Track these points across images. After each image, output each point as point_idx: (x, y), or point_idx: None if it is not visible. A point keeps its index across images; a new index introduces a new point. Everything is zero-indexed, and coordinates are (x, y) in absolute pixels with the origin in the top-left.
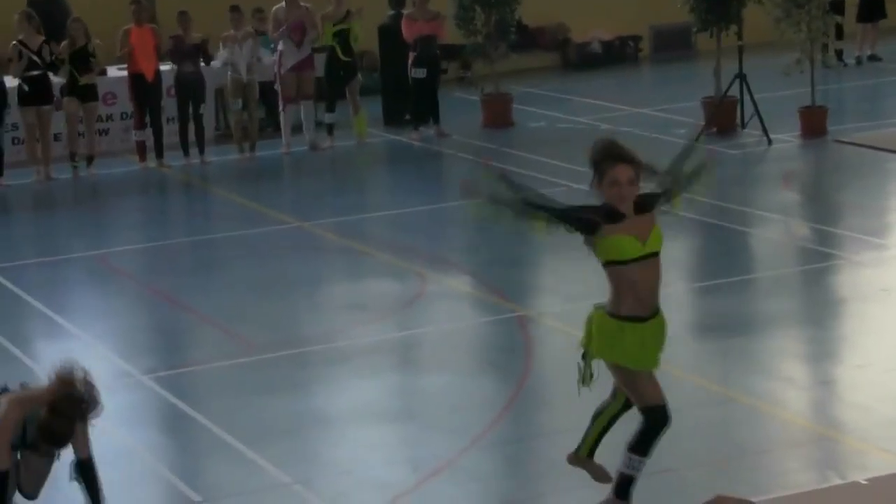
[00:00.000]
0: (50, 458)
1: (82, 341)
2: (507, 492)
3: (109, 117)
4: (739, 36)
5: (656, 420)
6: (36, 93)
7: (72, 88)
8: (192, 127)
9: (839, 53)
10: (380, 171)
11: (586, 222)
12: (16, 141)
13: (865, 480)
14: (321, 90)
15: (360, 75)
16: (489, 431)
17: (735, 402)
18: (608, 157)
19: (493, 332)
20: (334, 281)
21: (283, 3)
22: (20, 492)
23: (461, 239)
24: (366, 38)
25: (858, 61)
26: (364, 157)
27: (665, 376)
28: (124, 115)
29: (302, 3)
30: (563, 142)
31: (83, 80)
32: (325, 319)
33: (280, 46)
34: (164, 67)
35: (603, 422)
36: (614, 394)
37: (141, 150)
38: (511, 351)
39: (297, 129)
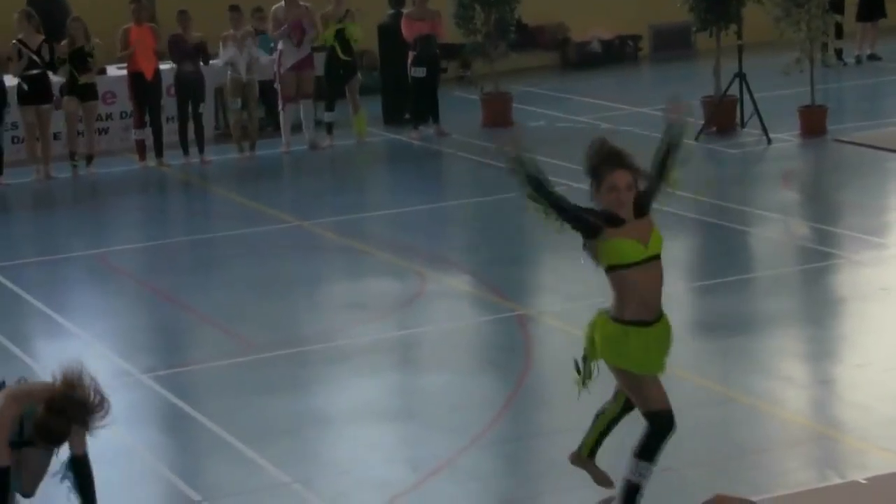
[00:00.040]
0: (48, 453)
1: (82, 340)
2: (507, 491)
3: (109, 116)
4: (739, 35)
5: (661, 425)
6: (35, 92)
7: (71, 88)
8: (191, 126)
9: (839, 53)
10: (379, 170)
11: (589, 225)
12: (15, 140)
13: (865, 479)
14: (321, 89)
15: (359, 74)
16: (489, 430)
17: (735, 401)
18: (606, 162)
19: (493, 331)
20: (334, 280)
21: (283, 3)
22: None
23: (461, 238)
24: (365, 38)
25: (858, 60)
26: (364, 156)
27: (665, 376)
28: (124, 115)
29: (301, 3)
30: (562, 141)
31: (82, 80)
32: (325, 318)
33: (280, 46)
34: (164, 66)
35: (602, 424)
36: (615, 396)
37: (140, 149)
38: (511, 350)
39: (296, 128)
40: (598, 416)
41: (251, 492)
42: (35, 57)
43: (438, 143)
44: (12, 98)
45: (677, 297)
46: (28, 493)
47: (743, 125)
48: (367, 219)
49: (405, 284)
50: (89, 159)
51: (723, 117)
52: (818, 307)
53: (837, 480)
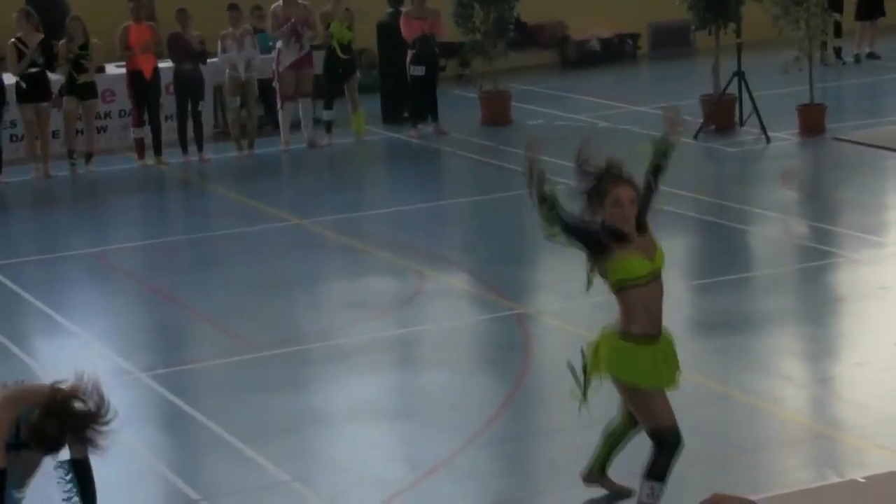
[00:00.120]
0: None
1: (81, 339)
2: (505, 490)
3: (108, 115)
4: (738, 34)
5: (668, 442)
6: (34, 90)
7: (70, 87)
8: (190, 124)
9: (838, 51)
10: (378, 168)
11: (600, 243)
12: (14, 138)
13: (863, 478)
14: (320, 87)
15: (358, 73)
16: (487, 429)
17: (733, 400)
18: (608, 175)
19: (492, 329)
20: (333, 278)
21: (281, 1)
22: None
23: (460, 236)
24: (364, 36)
25: (857, 59)
26: (362, 154)
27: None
28: (123, 113)
29: (300, 1)
30: (561, 139)
31: (81, 79)
32: (324, 317)
33: (279, 44)
34: (163, 65)
35: (611, 441)
36: (622, 413)
37: (139, 147)
38: (509, 349)
39: (295, 126)
40: (606, 434)
41: (250, 490)
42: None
43: (437, 142)
44: (11, 96)
45: (676, 295)
46: (20, 490)
47: (742, 124)
48: (365, 217)
49: (404, 283)
50: (88, 157)
51: (722, 116)
52: (817, 306)
53: (836, 479)
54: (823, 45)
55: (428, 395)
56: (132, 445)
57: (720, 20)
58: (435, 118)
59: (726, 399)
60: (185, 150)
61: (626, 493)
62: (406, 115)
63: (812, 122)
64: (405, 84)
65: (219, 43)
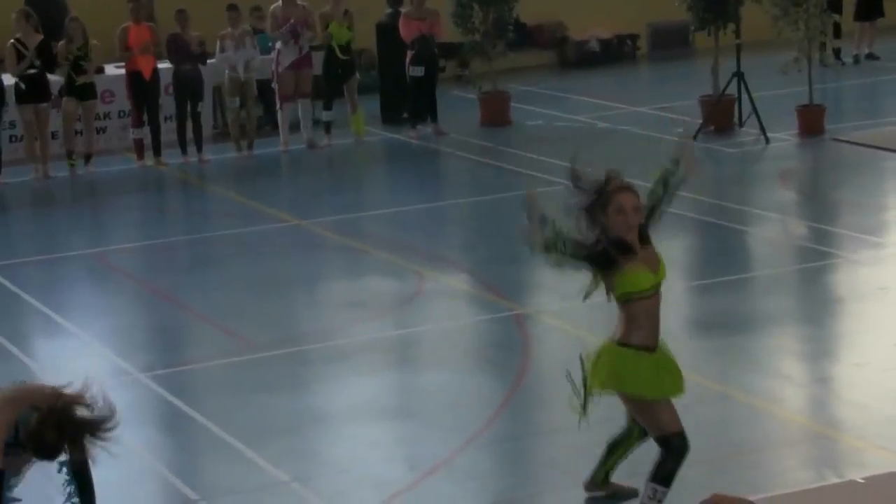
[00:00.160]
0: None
1: (80, 339)
2: (505, 490)
3: (107, 115)
4: (737, 34)
5: (675, 448)
6: (33, 91)
7: (70, 87)
8: (189, 125)
9: (837, 52)
10: (378, 169)
11: (609, 259)
12: (13, 139)
13: (862, 479)
14: (319, 88)
15: (357, 73)
16: (487, 429)
17: (733, 400)
18: (610, 184)
19: (491, 329)
20: (332, 279)
21: (280, 2)
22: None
23: (459, 237)
24: (362, 37)
25: (856, 60)
26: (362, 155)
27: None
28: (122, 114)
29: (299, 2)
30: (560, 140)
31: (80, 80)
32: (324, 317)
33: (278, 45)
34: (162, 66)
35: (619, 452)
36: (627, 424)
37: (139, 148)
38: (509, 349)
39: (294, 127)
40: (613, 445)
41: (249, 491)
42: (28, 53)
43: (436, 143)
44: (10, 97)
45: (676, 296)
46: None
47: (741, 124)
48: (365, 218)
49: (403, 283)
50: (87, 158)
51: (721, 116)
52: (816, 306)
53: (835, 479)
54: (822, 45)
55: (427, 395)
56: (131, 446)
57: (719, 21)
58: (434, 119)
59: (726, 399)
60: (184, 151)
61: (630, 493)
62: (405, 115)
63: (811, 122)
64: (404, 85)
65: (217, 43)
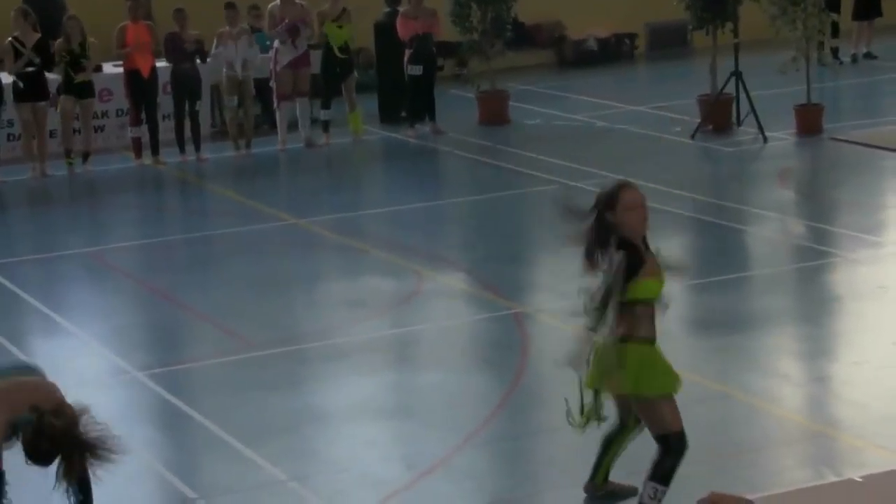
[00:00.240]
0: None
1: (78, 338)
2: (503, 489)
3: (105, 114)
4: (735, 33)
5: (674, 446)
6: (31, 89)
7: (68, 86)
8: (188, 123)
9: (835, 51)
10: (376, 168)
11: (634, 271)
12: (11, 137)
13: (861, 477)
14: (317, 87)
15: (356, 72)
16: (485, 428)
17: (731, 399)
18: (614, 185)
19: (490, 328)
20: (331, 278)
21: (279, 1)
22: None
23: (457, 236)
24: (361, 36)
25: (854, 59)
26: (360, 154)
27: None
28: (120, 112)
29: (297, 1)
30: (559, 139)
31: (78, 79)
32: (322, 316)
33: (276, 43)
34: (160, 64)
35: (614, 448)
36: (620, 419)
37: (136, 146)
38: (507, 348)
39: (292, 126)
40: (608, 442)
41: (248, 489)
42: (26, 51)
43: (435, 142)
44: (8, 96)
45: (674, 295)
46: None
47: (739, 123)
48: (363, 217)
49: (402, 282)
50: (85, 157)
51: (719, 115)
52: (814, 305)
53: (833, 478)
54: (821, 45)
55: (426, 394)
56: (130, 445)
57: (717, 20)
58: (432, 118)
59: (724, 398)
60: (182, 150)
61: (629, 492)
62: (403, 114)
63: (809, 121)
64: (402, 84)
65: (214, 41)
